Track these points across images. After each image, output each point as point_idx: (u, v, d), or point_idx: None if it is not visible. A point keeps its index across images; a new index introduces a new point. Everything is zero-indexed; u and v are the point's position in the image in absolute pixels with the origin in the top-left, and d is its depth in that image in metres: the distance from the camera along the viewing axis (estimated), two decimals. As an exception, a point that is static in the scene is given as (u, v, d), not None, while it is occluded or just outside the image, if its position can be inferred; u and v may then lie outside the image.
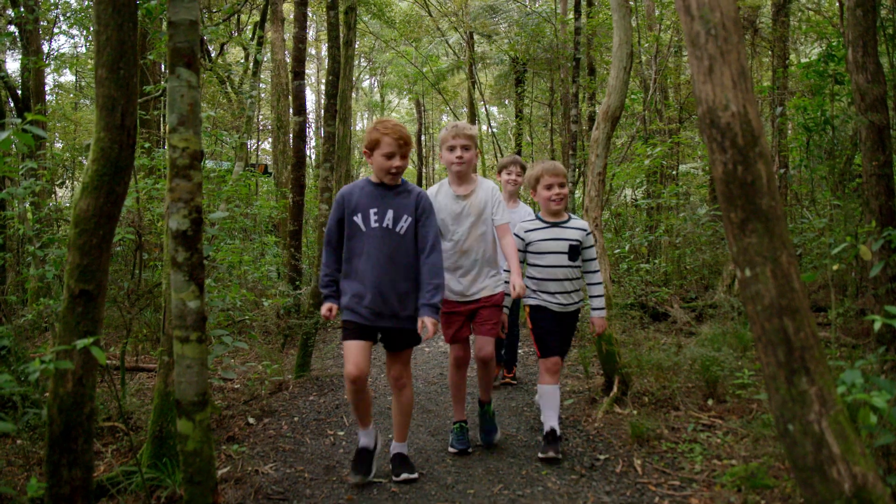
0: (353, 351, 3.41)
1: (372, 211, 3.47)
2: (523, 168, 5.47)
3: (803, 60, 11.93)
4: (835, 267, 4.63)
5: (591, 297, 4.09)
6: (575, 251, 4.01)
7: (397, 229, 3.48)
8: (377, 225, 3.46)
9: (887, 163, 4.51)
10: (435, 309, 3.43)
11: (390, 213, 3.48)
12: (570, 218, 4.11)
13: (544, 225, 4.07)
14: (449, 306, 3.97)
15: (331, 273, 3.55)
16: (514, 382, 5.71)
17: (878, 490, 1.80)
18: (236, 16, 14.33)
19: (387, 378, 3.74)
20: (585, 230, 4.05)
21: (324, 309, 3.53)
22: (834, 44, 6.14)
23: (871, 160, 4.53)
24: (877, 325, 2.30)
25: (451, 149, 3.86)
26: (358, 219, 3.48)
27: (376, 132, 3.45)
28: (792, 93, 9.42)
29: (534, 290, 4.04)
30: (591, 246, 4.08)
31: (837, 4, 8.32)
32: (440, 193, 3.94)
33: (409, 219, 3.51)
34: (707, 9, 2.04)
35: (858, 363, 3.25)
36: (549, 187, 4.02)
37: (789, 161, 8.82)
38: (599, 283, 4.07)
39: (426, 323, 3.38)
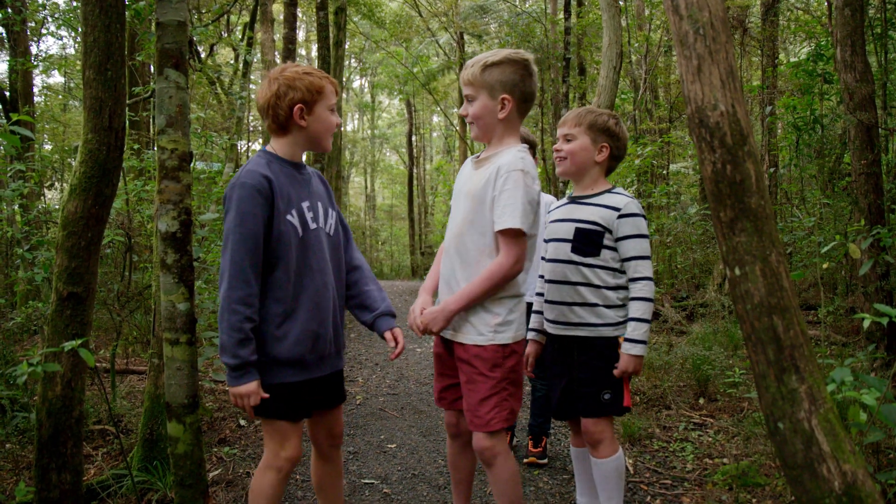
0: (297, 429, 2.39)
1: (305, 205, 2.36)
2: (525, 142, 3.05)
3: (792, 60, 11.99)
4: (824, 265, 4.66)
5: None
6: (589, 240, 2.63)
7: (328, 229, 2.46)
8: (316, 226, 2.39)
9: (876, 161, 4.54)
10: (393, 315, 2.58)
11: (320, 207, 2.44)
12: (606, 191, 2.71)
13: (565, 201, 2.84)
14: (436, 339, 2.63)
15: (253, 316, 2.20)
16: (544, 462, 3.74)
17: (868, 487, 1.81)
18: (226, 17, 14.28)
19: (318, 446, 2.57)
20: (617, 209, 2.63)
21: (252, 398, 2.21)
22: (822, 43, 6.18)
23: (860, 159, 4.57)
24: (866, 323, 2.31)
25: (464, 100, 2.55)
26: (293, 218, 2.30)
27: (313, 77, 2.34)
28: (781, 92, 9.48)
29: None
30: (629, 236, 2.61)
31: (826, 4, 8.37)
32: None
33: (333, 213, 2.51)
34: (695, 8, 2.04)
35: (848, 361, 3.28)
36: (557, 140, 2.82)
37: (779, 160, 8.88)
38: (637, 299, 2.58)
39: (396, 336, 2.51)
